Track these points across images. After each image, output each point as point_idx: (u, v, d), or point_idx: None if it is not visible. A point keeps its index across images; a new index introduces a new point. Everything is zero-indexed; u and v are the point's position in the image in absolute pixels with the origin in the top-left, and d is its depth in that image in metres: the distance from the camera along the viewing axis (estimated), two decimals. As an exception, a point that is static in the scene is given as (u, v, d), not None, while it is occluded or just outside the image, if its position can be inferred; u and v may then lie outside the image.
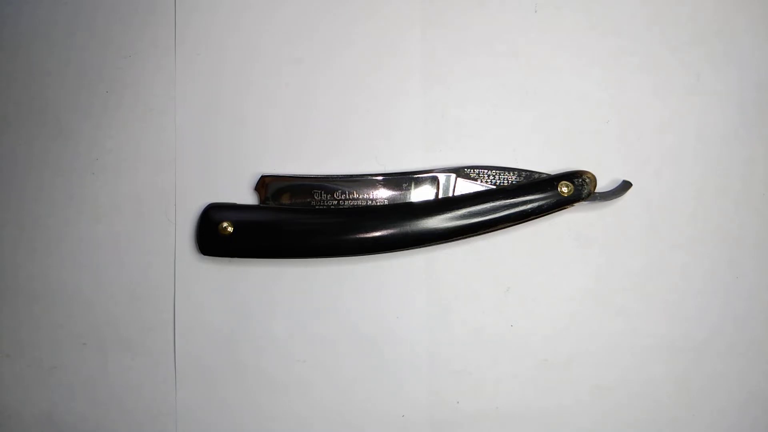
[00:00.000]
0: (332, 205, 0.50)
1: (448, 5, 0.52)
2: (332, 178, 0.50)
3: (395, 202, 0.50)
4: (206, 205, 0.49)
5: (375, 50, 0.52)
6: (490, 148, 0.51)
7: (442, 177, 0.50)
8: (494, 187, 0.50)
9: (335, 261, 0.50)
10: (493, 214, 0.49)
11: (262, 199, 0.50)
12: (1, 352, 0.50)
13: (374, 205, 0.50)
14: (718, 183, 0.52)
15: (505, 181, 0.50)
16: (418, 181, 0.50)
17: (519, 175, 0.50)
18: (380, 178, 0.50)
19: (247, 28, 0.52)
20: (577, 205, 0.50)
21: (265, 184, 0.50)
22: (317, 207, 0.50)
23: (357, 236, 0.48)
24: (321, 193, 0.50)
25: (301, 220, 0.49)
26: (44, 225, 0.50)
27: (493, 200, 0.49)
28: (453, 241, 0.50)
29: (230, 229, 0.48)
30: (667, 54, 0.52)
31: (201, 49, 0.51)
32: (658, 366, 0.51)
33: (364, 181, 0.50)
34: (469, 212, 0.49)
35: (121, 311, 0.50)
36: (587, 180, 0.50)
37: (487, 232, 0.49)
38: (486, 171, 0.50)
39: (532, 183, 0.50)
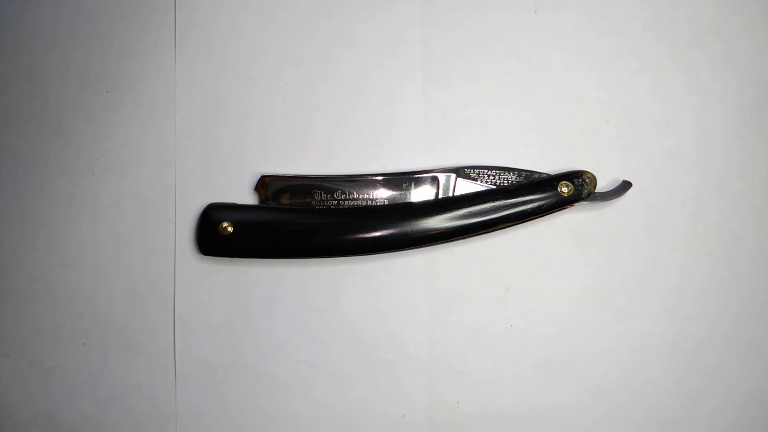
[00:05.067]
0: (332, 205, 0.50)
1: (448, 5, 0.52)
2: (332, 178, 0.50)
3: (395, 202, 0.50)
4: (206, 205, 0.49)
5: (375, 50, 0.52)
6: (490, 148, 0.51)
7: (442, 177, 0.50)
8: (494, 187, 0.50)
9: (335, 261, 0.50)
10: (493, 214, 0.49)
11: (262, 199, 0.50)
12: (2, 352, 0.50)
13: (374, 205, 0.50)
14: (718, 183, 0.52)
15: (505, 181, 0.50)
16: (418, 181, 0.50)
17: (519, 175, 0.50)
18: (380, 178, 0.50)
19: (247, 28, 0.52)
20: (577, 205, 0.50)
21: (265, 184, 0.50)
22: (317, 207, 0.50)
23: (357, 236, 0.48)
24: (321, 193, 0.50)
25: (301, 220, 0.49)
26: (45, 225, 0.50)
27: (493, 200, 0.49)
28: (453, 241, 0.50)
29: (230, 229, 0.48)
30: (666, 54, 0.52)
31: (201, 49, 0.51)
32: (658, 366, 0.51)
33: (364, 181, 0.50)
34: (469, 212, 0.49)
35: (121, 311, 0.50)
36: (587, 180, 0.50)
37: (487, 232, 0.49)
38: (486, 171, 0.50)
39: (532, 183, 0.50)
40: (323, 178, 0.50)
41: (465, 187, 0.50)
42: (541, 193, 0.49)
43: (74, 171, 0.51)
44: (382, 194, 0.50)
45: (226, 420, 0.50)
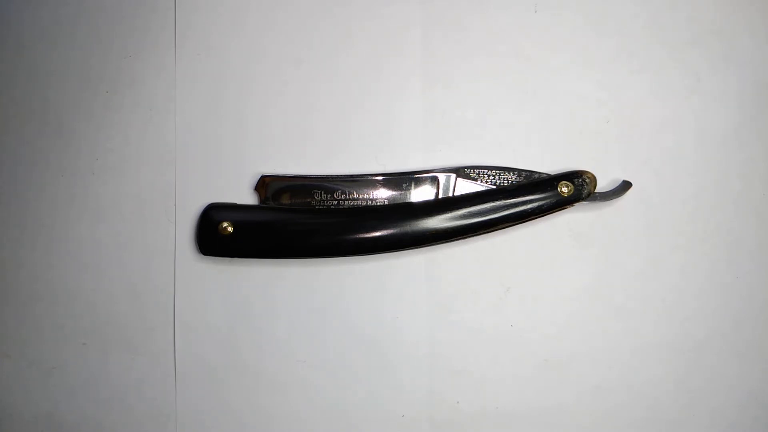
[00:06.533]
0: (332, 205, 0.50)
1: (449, 6, 0.52)
2: (332, 178, 0.50)
3: (395, 202, 0.50)
4: (206, 205, 0.49)
5: (375, 50, 0.52)
6: (490, 148, 0.51)
7: (442, 177, 0.50)
8: (494, 187, 0.50)
9: (335, 261, 0.50)
10: (493, 214, 0.49)
11: (262, 199, 0.50)
12: (2, 352, 0.50)
13: (374, 205, 0.50)
14: (718, 183, 0.52)
15: (505, 181, 0.50)
16: (418, 181, 0.50)
17: (519, 175, 0.50)
18: (380, 178, 0.50)
19: (247, 28, 0.52)
20: (577, 205, 0.50)
21: (265, 184, 0.50)
22: (317, 207, 0.50)
23: (357, 236, 0.48)
24: (321, 193, 0.50)
25: (301, 220, 0.49)
26: (45, 225, 0.50)
27: (493, 200, 0.49)
28: (453, 241, 0.50)
29: (230, 229, 0.48)
30: (666, 54, 0.52)
31: (201, 49, 0.51)
32: (658, 366, 0.51)
33: (364, 181, 0.50)
34: (469, 212, 0.49)
35: (121, 311, 0.50)
36: (587, 180, 0.50)
37: (487, 232, 0.49)
38: (486, 171, 0.50)
39: (532, 183, 0.50)
40: (323, 178, 0.50)
41: (465, 187, 0.50)
42: (541, 193, 0.49)
43: (74, 171, 0.51)
44: (382, 194, 0.50)
45: (226, 420, 0.50)
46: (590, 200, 0.50)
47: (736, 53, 0.52)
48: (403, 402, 0.50)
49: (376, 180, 0.50)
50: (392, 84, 0.52)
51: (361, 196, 0.50)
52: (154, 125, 0.51)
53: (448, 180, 0.50)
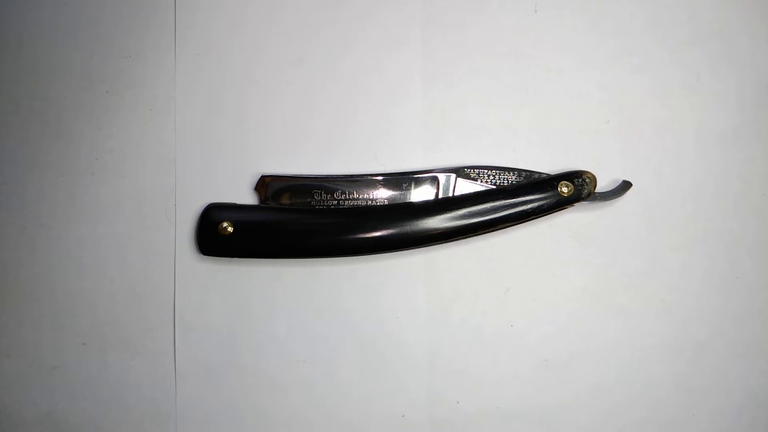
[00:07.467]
0: (332, 205, 0.50)
1: (448, 5, 0.52)
2: (332, 178, 0.50)
3: (395, 202, 0.50)
4: (206, 205, 0.49)
5: (375, 50, 0.52)
6: (490, 148, 0.51)
7: (442, 177, 0.50)
8: (494, 187, 0.50)
9: (335, 261, 0.50)
10: (493, 214, 0.49)
11: (262, 199, 0.50)
12: (2, 352, 0.50)
13: (374, 205, 0.50)
14: (717, 183, 0.52)
15: (505, 181, 0.50)
16: (418, 181, 0.50)
17: (519, 175, 0.50)
18: (380, 178, 0.50)
19: (247, 27, 0.52)
20: (577, 205, 0.50)
21: (265, 184, 0.50)
22: (317, 207, 0.50)
23: (357, 236, 0.48)
24: (321, 193, 0.50)
25: (301, 220, 0.49)
26: (45, 225, 0.50)
27: (493, 200, 0.49)
28: (453, 241, 0.50)
29: (230, 229, 0.48)
30: (666, 54, 0.52)
31: (201, 48, 0.51)
32: (658, 366, 0.51)
33: (364, 181, 0.50)
34: (469, 212, 0.49)
35: (121, 311, 0.50)
36: (587, 180, 0.50)
37: (487, 232, 0.49)
38: (486, 171, 0.50)
39: (532, 183, 0.50)
40: (323, 178, 0.50)
41: (465, 187, 0.50)
42: (541, 193, 0.49)
43: (74, 171, 0.51)
44: (382, 194, 0.50)
45: (226, 420, 0.50)
46: (590, 200, 0.50)
47: (736, 53, 0.52)
48: (403, 402, 0.50)
49: (376, 180, 0.50)
50: (392, 84, 0.52)
51: (361, 196, 0.50)
52: (154, 125, 0.51)
53: (448, 180, 0.50)
